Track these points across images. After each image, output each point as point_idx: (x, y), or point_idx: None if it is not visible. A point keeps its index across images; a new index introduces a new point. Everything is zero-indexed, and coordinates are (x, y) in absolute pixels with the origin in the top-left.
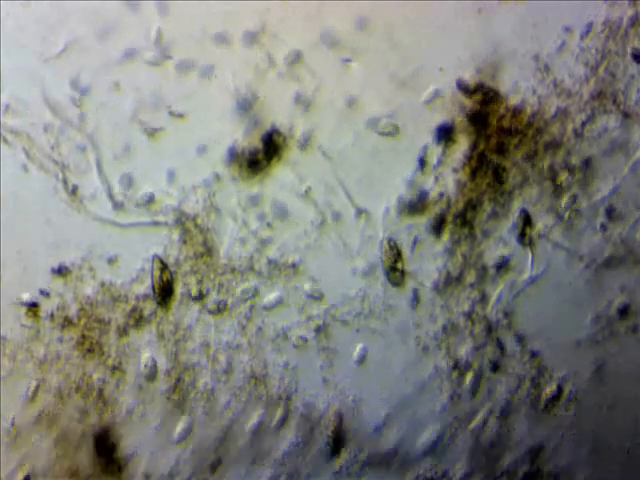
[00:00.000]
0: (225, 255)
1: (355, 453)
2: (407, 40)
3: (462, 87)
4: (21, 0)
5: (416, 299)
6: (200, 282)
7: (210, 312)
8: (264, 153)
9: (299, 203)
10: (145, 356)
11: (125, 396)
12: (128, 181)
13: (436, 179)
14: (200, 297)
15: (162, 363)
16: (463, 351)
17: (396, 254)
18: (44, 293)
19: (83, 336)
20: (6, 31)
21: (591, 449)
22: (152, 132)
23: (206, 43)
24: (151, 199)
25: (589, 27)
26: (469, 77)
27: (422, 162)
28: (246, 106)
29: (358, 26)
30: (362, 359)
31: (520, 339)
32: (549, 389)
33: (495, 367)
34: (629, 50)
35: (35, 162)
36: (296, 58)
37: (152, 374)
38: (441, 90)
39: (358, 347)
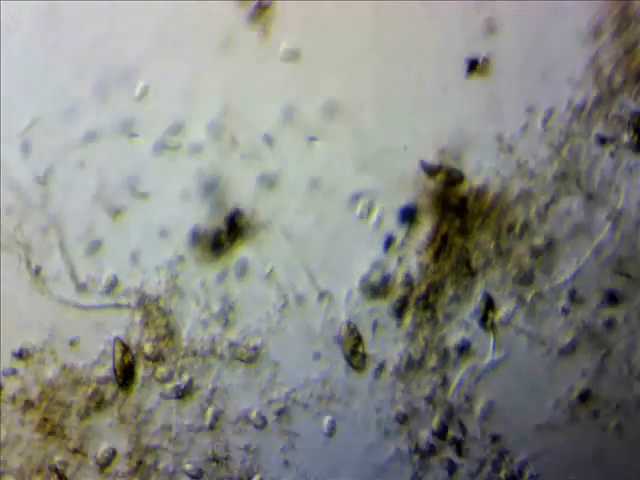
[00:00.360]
0: (187, 337)
1: None
2: (372, 121)
3: (425, 168)
4: None
5: (377, 383)
6: (162, 365)
7: (171, 395)
8: (227, 234)
9: (262, 285)
10: (104, 444)
11: (87, 479)
12: (91, 262)
13: (399, 261)
14: (162, 380)
15: (123, 446)
16: (424, 435)
17: (357, 338)
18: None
19: (44, 419)
20: None
21: None
22: (115, 213)
23: (170, 123)
24: (114, 281)
25: (553, 109)
26: (433, 158)
27: (387, 244)
28: (209, 187)
29: (324, 106)
30: (324, 442)
31: (481, 423)
32: (510, 473)
33: (458, 451)
34: (593, 133)
35: None
36: (259, 138)
37: (109, 461)
38: (405, 171)
39: (321, 428)
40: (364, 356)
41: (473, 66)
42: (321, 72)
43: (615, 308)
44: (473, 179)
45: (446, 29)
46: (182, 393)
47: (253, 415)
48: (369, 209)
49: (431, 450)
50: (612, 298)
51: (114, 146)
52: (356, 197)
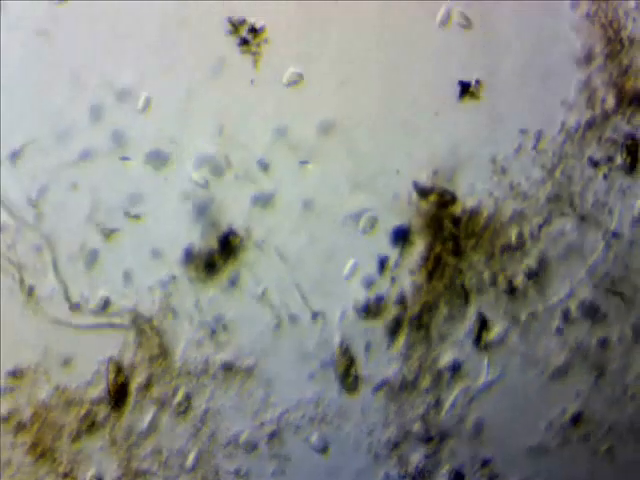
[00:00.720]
0: (180, 358)
1: None
2: (364, 143)
3: (419, 189)
4: None
5: (370, 404)
6: (156, 385)
7: (164, 416)
8: (220, 254)
9: (255, 305)
10: (92, 469)
11: None
12: (84, 282)
13: (392, 282)
14: (155, 401)
15: (113, 470)
16: (415, 459)
17: (350, 359)
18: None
19: (36, 441)
20: None
21: None
22: (108, 233)
23: (163, 145)
24: (107, 301)
25: (546, 131)
26: (426, 179)
27: (381, 265)
28: (203, 208)
29: (318, 127)
30: (315, 465)
31: (473, 445)
32: None
33: (457, 476)
34: (586, 155)
35: None
36: (253, 160)
37: None
38: (399, 193)
39: (312, 451)
40: (357, 377)
41: (466, 89)
42: (314, 94)
43: (607, 327)
44: (466, 200)
45: (439, 52)
46: (175, 414)
47: (244, 438)
48: (369, 226)
49: (421, 475)
50: (600, 316)
51: (107, 166)
52: (350, 217)
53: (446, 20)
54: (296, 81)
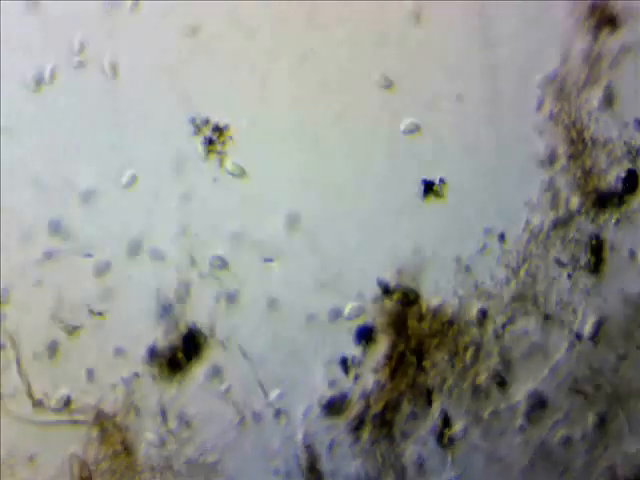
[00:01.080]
0: (144, 454)
1: None
2: (329, 241)
3: (382, 287)
4: None
5: None
6: None
7: None
8: (184, 352)
9: (219, 402)
10: None
11: None
12: (47, 379)
13: (356, 379)
14: None
15: None
16: None
17: (313, 455)
18: None
19: None
20: None
21: None
22: (72, 330)
23: (125, 243)
24: (70, 398)
25: (510, 231)
26: (390, 278)
27: (345, 363)
28: (167, 305)
29: (281, 224)
30: None
31: None
32: None
33: None
34: (551, 255)
35: None
36: (217, 259)
37: None
38: (363, 291)
39: None
40: (321, 473)
41: (429, 188)
42: (278, 191)
43: (570, 426)
44: (430, 299)
45: (402, 152)
46: None
47: None
48: (333, 325)
49: None
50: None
51: (71, 263)
52: (314, 315)
53: (413, 129)
54: (260, 178)
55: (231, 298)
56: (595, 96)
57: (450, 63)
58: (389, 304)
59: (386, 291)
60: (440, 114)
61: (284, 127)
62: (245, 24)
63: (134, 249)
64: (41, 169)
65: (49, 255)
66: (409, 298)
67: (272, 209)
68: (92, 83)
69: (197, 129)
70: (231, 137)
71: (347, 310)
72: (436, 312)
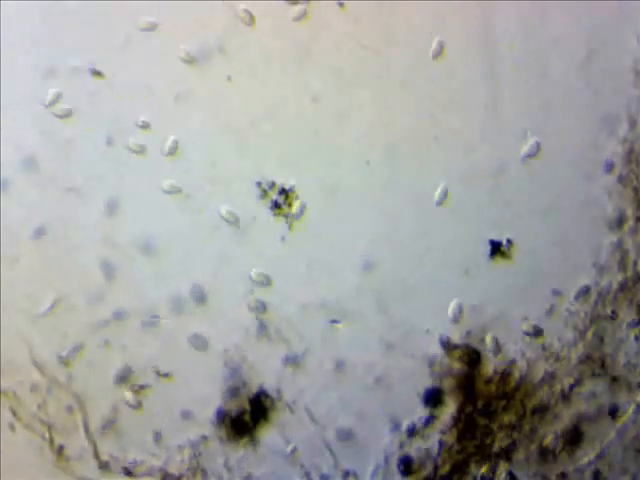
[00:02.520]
0: None
1: None
2: (395, 301)
3: (446, 346)
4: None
5: None
6: None
7: None
8: (251, 415)
9: (285, 464)
10: None
11: None
12: (114, 441)
13: (423, 441)
14: None
15: None
16: None
17: None
18: None
19: None
20: None
21: None
22: (138, 391)
23: (192, 305)
24: (136, 460)
25: (578, 292)
26: (457, 339)
27: (413, 425)
28: (234, 368)
29: (349, 287)
30: None
31: None
32: None
33: None
34: (618, 317)
35: (22, 421)
36: (285, 320)
37: None
38: (429, 353)
39: None
40: None
41: (497, 248)
42: (345, 254)
43: None
44: (498, 360)
45: (471, 211)
46: None
47: None
48: (400, 386)
49: None
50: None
51: (139, 324)
52: (381, 377)
53: (481, 190)
54: (326, 239)
55: (298, 360)
56: None
57: (518, 126)
58: (455, 365)
59: (449, 349)
60: (508, 175)
61: (350, 188)
62: (310, 88)
63: (201, 310)
64: (111, 229)
65: (118, 316)
66: (473, 358)
67: (339, 270)
68: (158, 142)
69: (263, 193)
70: (297, 199)
71: (414, 370)
72: (504, 374)
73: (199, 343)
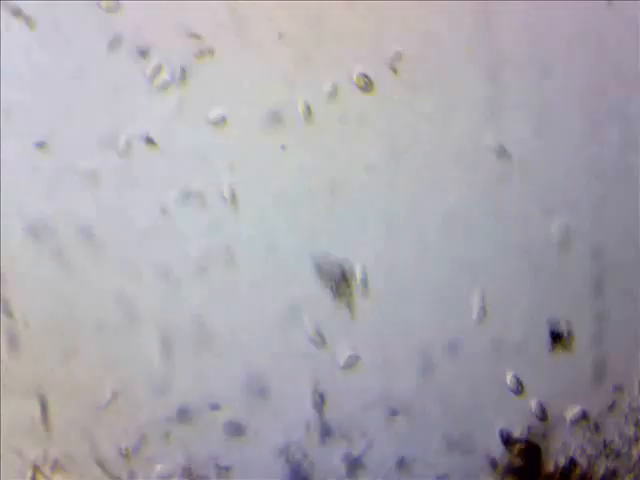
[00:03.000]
0: None
1: None
2: (457, 396)
3: (509, 444)
4: None
5: None
6: None
7: None
8: None
9: None
10: None
11: None
12: None
13: None
14: None
15: None
16: None
17: None
18: None
19: None
20: None
21: None
22: None
23: (253, 400)
24: None
25: (637, 390)
26: (518, 434)
27: None
28: (296, 466)
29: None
30: None
31: None
32: None
33: None
34: None
35: None
36: (346, 417)
37: None
38: (491, 450)
39: None
40: None
41: (557, 339)
42: (407, 344)
43: None
44: (559, 456)
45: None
46: None
47: None
48: None
49: None
50: None
51: (200, 418)
52: (443, 477)
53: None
54: (388, 322)
55: (358, 460)
56: None
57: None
58: (516, 460)
59: (510, 445)
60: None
61: (408, 264)
62: (364, 159)
63: (262, 404)
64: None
65: (180, 408)
66: (534, 453)
67: (400, 362)
68: (212, 212)
69: (322, 273)
70: (357, 278)
71: (476, 467)
72: (564, 470)
73: (260, 437)
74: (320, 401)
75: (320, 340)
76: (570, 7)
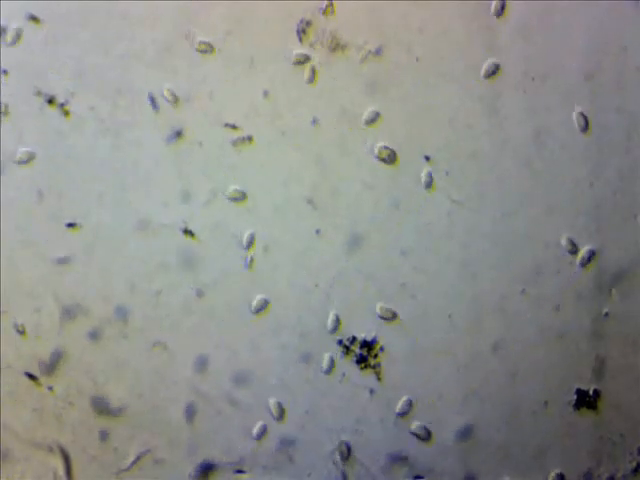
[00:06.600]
0: None
1: None
2: (484, 465)
3: None
4: None
5: None
6: None
7: None
8: None
9: None
10: None
11: None
12: None
13: None
14: None
15: None
16: None
17: None
18: None
19: None
20: None
21: None
22: None
23: (279, 462)
24: None
25: None
26: None
27: None
28: None
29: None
30: None
31: None
32: None
33: None
34: None
35: None
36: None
37: None
38: None
39: None
40: None
41: (583, 398)
42: (431, 409)
43: None
44: None
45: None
46: None
47: None
48: None
49: None
50: None
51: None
52: None
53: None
54: (417, 392)
55: None
56: None
57: None
58: None
59: None
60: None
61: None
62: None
63: (287, 464)
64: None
65: (204, 468)
66: None
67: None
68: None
69: (346, 350)
70: (382, 349)
71: None
72: None
73: None
74: (344, 461)
75: (347, 405)
76: None
